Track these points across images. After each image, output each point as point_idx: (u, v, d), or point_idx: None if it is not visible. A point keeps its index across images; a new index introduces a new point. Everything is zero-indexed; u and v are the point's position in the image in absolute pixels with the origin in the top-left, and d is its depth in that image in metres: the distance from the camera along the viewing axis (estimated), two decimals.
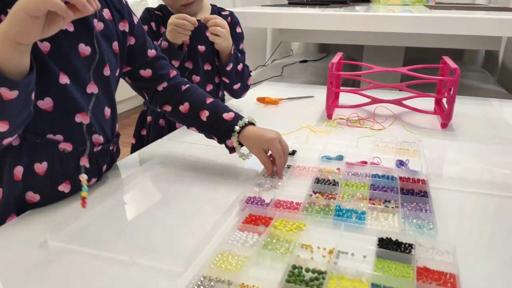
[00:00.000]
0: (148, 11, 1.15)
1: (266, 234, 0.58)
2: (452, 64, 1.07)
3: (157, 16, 1.15)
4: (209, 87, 1.18)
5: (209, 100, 0.82)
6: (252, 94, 1.35)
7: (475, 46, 2.28)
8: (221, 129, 0.80)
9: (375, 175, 0.76)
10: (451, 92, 1.04)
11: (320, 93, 1.41)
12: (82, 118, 0.70)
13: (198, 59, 1.14)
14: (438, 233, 0.58)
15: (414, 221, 0.62)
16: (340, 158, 0.85)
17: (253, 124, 0.80)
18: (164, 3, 1.16)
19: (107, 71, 0.73)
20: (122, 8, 0.78)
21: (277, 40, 2.96)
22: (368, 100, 1.16)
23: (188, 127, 0.86)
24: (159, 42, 1.06)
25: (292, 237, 0.57)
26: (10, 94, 0.54)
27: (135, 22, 0.81)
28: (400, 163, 0.82)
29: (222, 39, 1.06)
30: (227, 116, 0.80)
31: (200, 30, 1.08)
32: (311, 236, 0.58)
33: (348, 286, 0.48)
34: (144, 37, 0.83)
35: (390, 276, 0.50)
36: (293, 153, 0.87)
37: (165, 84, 0.84)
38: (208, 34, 1.07)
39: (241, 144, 0.79)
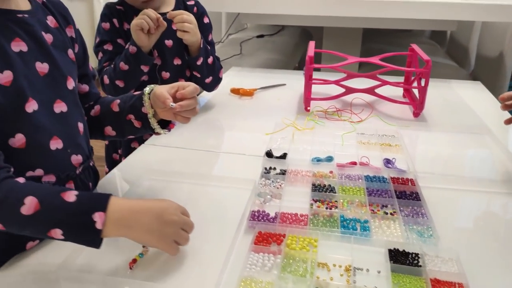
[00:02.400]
0: (108, 7, 1.07)
1: (282, 255, 0.59)
2: (422, 54, 1.11)
3: (119, 12, 1.07)
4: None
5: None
6: (224, 84, 1.33)
7: (431, 27, 2.38)
8: (132, 101, 0.76)
9: (367, 177, 0.80)
10: (423, 83, 1.09)
11: (289, 79, 1.42)
12: (56, 144, 0.65)
13: (166, 54, 1.09)
14: (439, 240, 0.63)
15: (415, 227, 0.66)
16: (330, 159, 0.87)
17: None
18: None
19: (70, 84, 0.69)
20: (66, 13, 0.73)
21: (233, 15, 2.90)
22: (343, 90, 1.18)
23: (104, 133, 0.80)
24: (127, 46, 1.00)
25: (307, 256, 0.59)
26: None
27: (77, 28, 0.75)
28: (387, 162, 0.86)
29: (191, 35, 1.02)
30: (137, 93, 0.77)
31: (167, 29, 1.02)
32: (325, 254, 0.60)
33: None
34: (85, 46, 0.77)
35: None
36: (284, 156, 0.88)
37: (98, 107, 0.80)
38: (174, 28, 1.02)
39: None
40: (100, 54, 1.07)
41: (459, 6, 1.43)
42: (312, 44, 1.22)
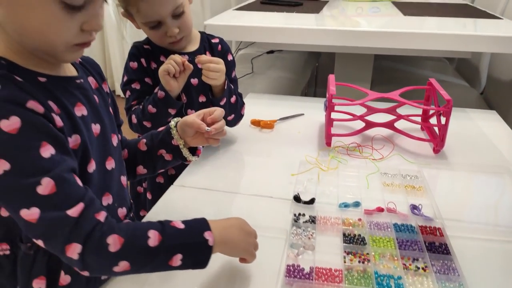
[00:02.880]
0: (136, 47, 1.10)
1: None
2: (443, 92, 1.12)
3: (146, 51, 1.10)
4: None
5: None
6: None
7: (445, 55, 2.39)
8: (160, 136, 0.82)
9: (396, 225, 0.82)
10: (443, 121, 1.10)
11: (306, 108, 1.44)
12: (107, 200, 0.69)
13: (192, 92, 1.12)
14: None
15: (447, 284, 0.68)
16: (357, 204, 0.89)
17: None
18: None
19: (115, 141, 0.73)
20: (99, 70, 0.76)
21: None
22: (362, 124, 1.20)
23: (136, 172, 0.84)
24: (155, 90, 1.02)
25: None
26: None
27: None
28: (414, 207, 0.88)
29: (216, 81, 1.05)
30: (161, 128, 0.83)
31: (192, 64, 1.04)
32: None
33: None
34: (114, 97, 0.80)
35: None
36: (312, 201, 0.90)
37: (125, 151, 0.83)
38: (200, 66, 1.04)
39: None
40: (128, 93, 1.09)
41: (472, 38, 1.44)
42: (332, 79, 1.24)
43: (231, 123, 1.19)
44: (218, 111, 0.79)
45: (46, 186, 0.53)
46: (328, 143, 1.16)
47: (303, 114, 1.41)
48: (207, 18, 1.95)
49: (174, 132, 0.80)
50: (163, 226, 0.60)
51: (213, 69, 1.01)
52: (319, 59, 3.26)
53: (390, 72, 2.43)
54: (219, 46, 1.18)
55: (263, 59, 2.73)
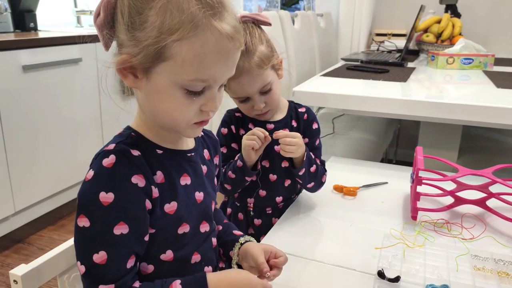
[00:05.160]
0: (229, 115, 1.21)
1: None
2: None
3: (237, 118, 1.20)
4: (287, 182, 1.22)
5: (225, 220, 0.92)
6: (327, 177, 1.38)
7: None
8: (227, 239, 0.87)
9: None
10: None
11: (390, 176, 1.43)
12: (196, 258, 0.76)
13: (275, 158, 1.18)
14: None
15: None
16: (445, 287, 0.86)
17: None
18: None
19: (213, 207, 0.81)
20: (216, 144, 0.85)
21: None
22: (451, 200, 1.17)
23: None
24: (236, 157, 1.11)
25: None
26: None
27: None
28: None
29: (294, 154, 1.10)
30: (236, 232, 0.88)
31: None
32: None
33: None
34: (221, 172, 0.88)
35: None
36: (397, 279, 0.88)
37: None
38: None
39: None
40: None
41: None
42: (420, 151, 1.23)
43: (311, 190, 1.22)
44: (283, 259, 0.80)
45: (100, 257, 0.64)
46: (414, 217, 1.14)
47: (387, 182, 1.41)
48: (293, 84, 2.05)
49: (236, 249, 0.84)
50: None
51: (289, 143, 1.07)
52: (401, 119, 3.23)
53: (480, 140, 2.33)
54: (305, 115, 1.24)
55: (344, 119, 2.76)
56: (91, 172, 0.65)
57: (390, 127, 2.85)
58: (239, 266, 0.86)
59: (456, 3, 3.04)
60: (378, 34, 3.49)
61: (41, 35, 2.54)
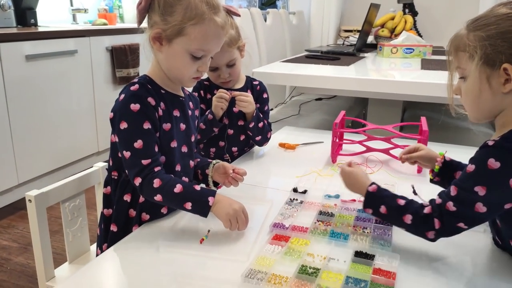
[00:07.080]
0: (198, 82, 1.56)
1: (286, 247, 0.95)
2: (424, 126, 1.44)
3: (205, 85, 1.56)
4: (242, 137, 1.58)
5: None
6: (275, 138, 1.74)
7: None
8: (203, 165, 1.21)
9: (360, 210, 1.14)
10: None
11: (328, 138, 1.79)
12: (178, 167, 1.12)
13: (233, 117, 1.54)
14: (391, 249, 0.95)
15: (379, 241, 0.99)
16: (337, 196, 1.22)
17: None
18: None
19: (193, 138, 1.17)
20: (197, 102, 1.24)
21: None
22: (364, 148, 1.54)
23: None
24: (206, 113, 1.47)
25: (301, 249, 0.95)
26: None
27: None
28: None
29: (246, 108, 1.47)
30: (209, 160, 1.24)
31: (234, 100, 1.47)
32: (313, 249, 0.95)
33: (333, 277, 0.86)
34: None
35: (357, 271, 0.87)
36: (304, 192, 1.25)
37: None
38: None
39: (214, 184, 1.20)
40: None
41: None
42: (342, 113, 1.60)
43: (259, 143, 1.59)
44: (243, 170, 1.17)
45: (138, 143, 0.99)
46: (333, 161, 1.51)
47: (322, 142, 1.77)
48: (254, 65, 2.41)
49: (211, 167, 1.21)
50: (187, 185, 1.00)
51: (243, 100, 1.44)
52: (366, 106, 3.60)
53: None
54: (258, 87, 1.61)
55: (311, 104, 3.12)
56: (123, 95, 1.01)
57: (350, 111, 3.21)
58: (215, 184, 1.21)
59: (412, 2, 3.43)
60: (345, 30, 3.87)
61: (41, 29, 2.88)
